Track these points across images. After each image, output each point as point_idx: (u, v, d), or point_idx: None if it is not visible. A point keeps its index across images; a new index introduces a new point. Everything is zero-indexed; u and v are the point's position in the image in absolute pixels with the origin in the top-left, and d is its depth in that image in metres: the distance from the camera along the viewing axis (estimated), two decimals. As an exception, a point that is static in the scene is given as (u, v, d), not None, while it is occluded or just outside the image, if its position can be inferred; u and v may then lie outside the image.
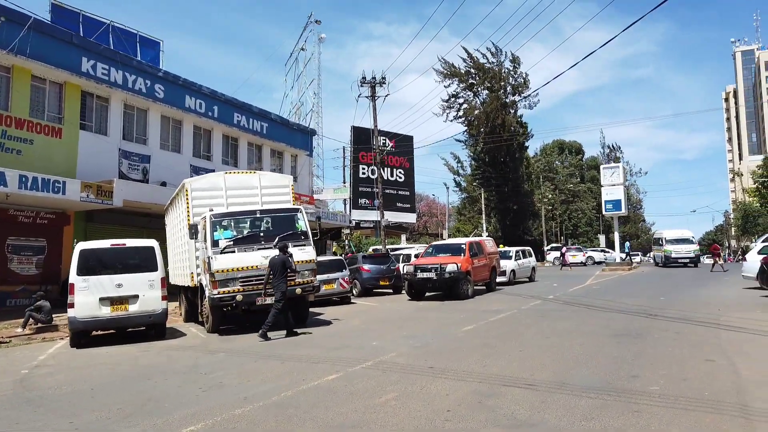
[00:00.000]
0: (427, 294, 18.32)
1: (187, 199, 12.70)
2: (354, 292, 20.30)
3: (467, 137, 61.53)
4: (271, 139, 30.91)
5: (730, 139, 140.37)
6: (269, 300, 11.17)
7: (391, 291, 20.68)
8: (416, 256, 21.31)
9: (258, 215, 12.00)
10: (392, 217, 55.08)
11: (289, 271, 10.73)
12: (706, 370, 6.43)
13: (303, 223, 12.18)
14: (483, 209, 61.79)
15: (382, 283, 20.17)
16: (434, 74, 57.46)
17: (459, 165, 66.80)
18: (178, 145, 25.39)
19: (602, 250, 46.23)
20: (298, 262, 11.53)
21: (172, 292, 16.94)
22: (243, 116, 28.91)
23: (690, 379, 6.01)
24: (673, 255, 32.43)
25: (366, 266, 20.21)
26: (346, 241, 46.93)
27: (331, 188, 44.62)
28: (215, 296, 11.03)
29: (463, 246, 18.63)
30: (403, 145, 56.17)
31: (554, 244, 60.34)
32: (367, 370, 6.90)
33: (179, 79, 25.24)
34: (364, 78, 32.08)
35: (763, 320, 10.35)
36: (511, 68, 58.91)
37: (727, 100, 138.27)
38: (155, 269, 10.96)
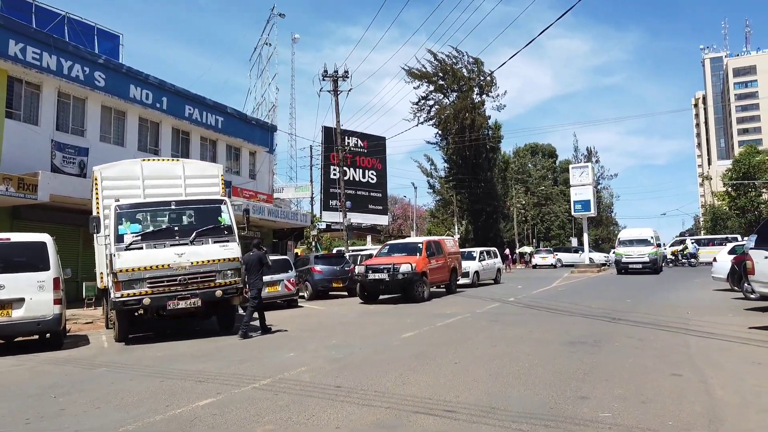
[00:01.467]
0: (382, 297, 17.02)
1: (96, 188, 11.16)
2: (305, 294, 18.91)
3: (438, 139, 60.60)
4: (227, 134, 29.26)
5: (699, 145, 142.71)
6: (183, 304, 9.73)
7: (346, 294, 19.31)
8: (369, 256, 19.99)
9: (173, 207, 10.52)
10: (364, 219, 53.78)
11: (264, 268, 10.58)
12: (671, 388, 5.23)
13: (227, 217, 10.73)
14: (455, 211, 60.90)
15: (335, 285, 18.76)
16: (405, 76, 56.46)
17: (433, 167, 65.76)
18: (120, 138, 23.62)
19: (576, 250, 45.24)
20: (219, 260, 10.12)
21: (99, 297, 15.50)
22: (195, 109, 27.22)
23: (651, 401, 4.79)
24: (624, 260, 26.18)
25: (318, 267, 18.78)
26: (314, 243, 45.41)
27: (293, 187, 42.94)
28: (118, 299, 9.51)
29: (419, 245, 17.36)
30: (376, 146, 55.01)
31: (526, 248, 59.72)
32: (256, 391, 5.52)
33: (122, 67, 23.51)
34: (326, 71, 30.69)
35: (735, 325, 9.28)
36: (475, 70, 58.28)
37: (696, 106, 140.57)
38: (46, 268, 9.38)
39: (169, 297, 9.66)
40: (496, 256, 26.02)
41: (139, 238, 9.83)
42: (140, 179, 11.34)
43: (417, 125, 60.27)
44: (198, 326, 11.98)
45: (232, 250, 10.33)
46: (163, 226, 10.22)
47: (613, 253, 29.57)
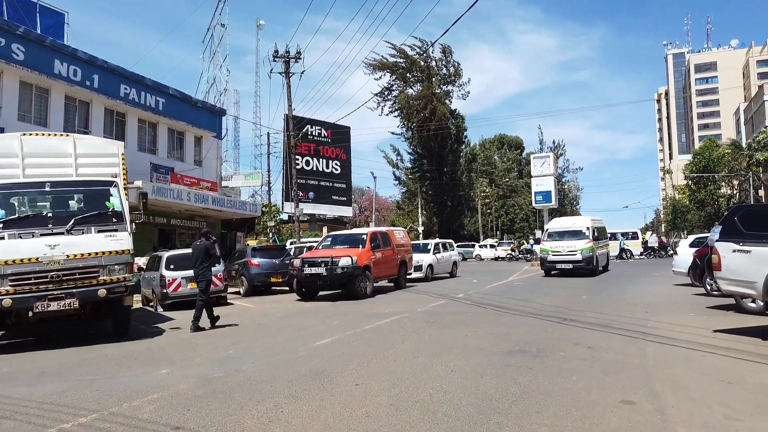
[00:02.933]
0: (322, 293, 15.56)
1: (-39, 168, 9.33)
2: (241, 290, 17.30)
3: (402, 129, 59.22)
4: (169, 116, 27.22)
5: (661, 139, 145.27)
6: (55, 305, 8.09)
7: (287, 289, 17.75)
8: (307, 249, 18.50)
9: (48, 189, 8.80)
10: (328, 210, 52.16)
11: (213, 259, 10.09)
12: (618, 425, 3.94)
13: (118, 202, 9.09)
14: (419, 203, 59.81)
15: (274, 279, 17.16)
16: (365, 68, 54.95)
17: (399, 158, 64.41)
18: (43, 118, 21.45)
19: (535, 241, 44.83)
20: (104, 253, 8.49)
21: None
22: (132, 89, 25.10)
23: (591, 449, 3.47)
24: (550, 257, 20.41)
25: (255, 260, 17.16)
26: (271, 235, 43.61)
27: (242, 174, 40.96)
28: (-30, 300, 7.80)
29: (364, 237, 15.94)
30: (340, 135, 53.30)
31: (490, 240, 59.13)
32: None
33: (46, 40, 21.31)
34: (276, 51, 28.86)
35: (698, 327, 8.16)
36: (443, 58, 57.16)
37: (659, 101, 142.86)
38: None
39: (37, 297, 7.99)
40: (452, 249, 24.83)
41: (0, 226, 8.12)
42: (19, 157, 9.53)
43: (381, 115, 58.93)
44: (93, 330, 10.31)
45: (121, 241, 8.70)
46: (31, 213, 8.50)
47: (540, 248, 22.90)
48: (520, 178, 77.66)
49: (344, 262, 14.11)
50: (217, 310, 12.16)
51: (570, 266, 19.69)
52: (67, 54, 22.05)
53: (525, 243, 45.25)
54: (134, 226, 9.60)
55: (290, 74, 29.15)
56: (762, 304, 7.02)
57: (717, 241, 7.60)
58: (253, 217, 31.08)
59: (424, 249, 22.28)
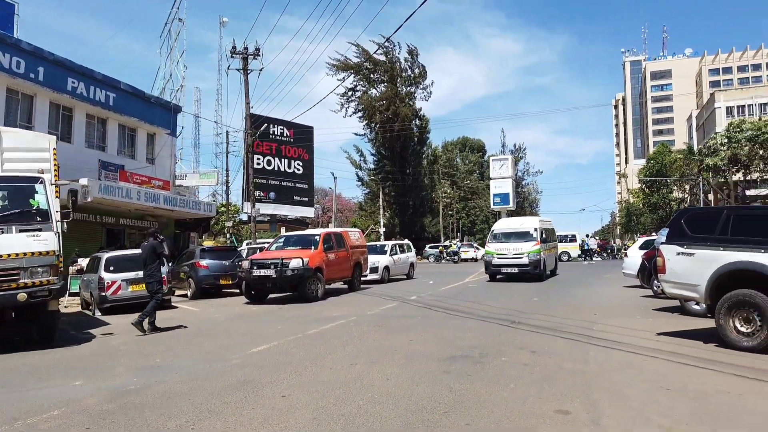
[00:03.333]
0: (274, 295, 15.11)
1: None
2: (188, 293, 16.67)
3: (367, 131, 58.90)
4: (120, 112, 26.12)
5: (618, 144, 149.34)
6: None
7: (238, 291, 17.17)
8: (261, 249, 18.00)
9: (-40, 184, 8.14)
10: (289, 210, 51.34)
11: (162, 258, 9.93)
12: (551, 438, 3.72)
13: (43, 199, 8.48)
14: (381, 204, 59.63)
15: (223, 282, 16.58)
16: (328, 69, 54.49)
17: (362, 159, 64.02)
18: (-20, 111, 20.25)
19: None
20: (25, 254, 7.88)
21: None
22: (81, 82, 23.97)
23: (517, 468, 3.23)
24: (495, 261, 18.74)
25: (203, 262, 16.55)
26: (229, 235, 42.67)
27: (197, 173, 39.91)
28: None
29: (316, 238, 15.55)
30: (303, 135, 52.59)
31: (455, 242, 59.41)
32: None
33: (-17, 29, 20.14)
34: (234, 48, 28.20)
35: (643, 330, 8.12)
36: (409, 59, 57.17)
37: (616, 107, 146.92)
38: None
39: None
40: (409, 250, 24.68)
41: None
42: (-66, 150, 8.83)
43: (345, 117, 58.36)
44: (17, 336, 9.62)
45: (45, 241, 8.11)
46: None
47: (484, 251, 21.40)
48: (481, 180, 78.44)
49: (295, 263, 13.70)
50: (157, 314, 11.56)
51: (516, 270, 18.17)
52: (9, 44, 20.85)
53: (453, 245, 46.58)
54: (65, 226, 8.99)
55: (248, 71, 28.53)
56: (705, 307, 7.01)
57: (663, 243, 7.56)
58: (208, 217, 30.20)
59: (380, 250, 22.03)
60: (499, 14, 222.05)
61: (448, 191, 70.69)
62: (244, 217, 45.37)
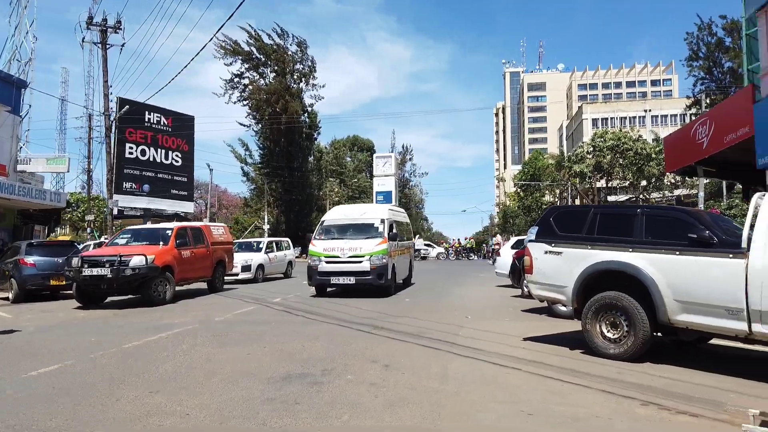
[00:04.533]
0: (114, 298, 13.01)
1: None
2: (9, 296, 13.98)
3: (252, 122, 56.08)
4: (-58, 82, 21.97)
5: (498, 150, 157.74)
6: None
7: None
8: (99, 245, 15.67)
9: None
10: (167, 205, 47.06)
11: None
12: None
13: None
14: (266, 200, 57.22)
15: (54, 282, 13.99)
16: (215, 51, 51.14)
17: (248, 153, 60.96)
18: None
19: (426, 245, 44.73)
20: None
21: None
22: None
23: None
24: (322, 266, 13.03)
25: (30, 259, 13.91)
26: (89, 229, 38.25)
27: (44, 158, 35.32)
28: None
29: (168, 232, 13.66)
30: (183, 125, 48.58)
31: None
32: None
33: None
34: (91, 18, 24.91)
35: (510, 335, 7.50)
36: (298, 52, 55.42)
37: (497, 115, 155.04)
38: None
39: None
40: (288, 248, 23.24)
41: None
42: None
43: (227, 103, 55.02)
44: None
45: None
46: None
47: (309, 251, 14.16)
48: (369, 179, 78.46)
49: (136, 261, 11.75)
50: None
51: (352, 281, 12.86)
52: None
53: None
54: None
55: (108, 46, 25.40)
56: (572, 309, 6.52)
57: (530, 241, 6.95)
58: (54, 208, 26.44)
59: (255, 248, 20.44)
60: (390, 19, 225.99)
61: (336, 189, 69.81)
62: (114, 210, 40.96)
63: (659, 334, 5.95)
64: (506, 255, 14.63)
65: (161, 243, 12.99)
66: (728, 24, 43.59)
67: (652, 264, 5.57)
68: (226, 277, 17.18)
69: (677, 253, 5.50)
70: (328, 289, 13.83)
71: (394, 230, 14.21)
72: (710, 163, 18.93)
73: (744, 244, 5.06)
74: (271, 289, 15.64)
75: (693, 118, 38.66)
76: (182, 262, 13.30)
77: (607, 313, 5.82)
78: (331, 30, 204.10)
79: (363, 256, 12.82)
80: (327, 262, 13.07)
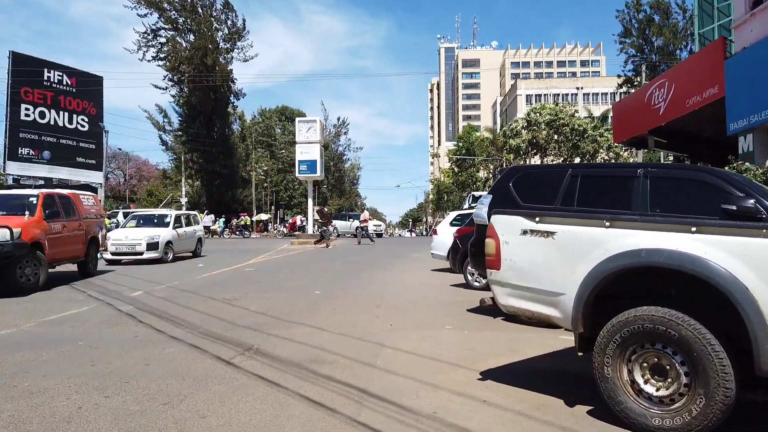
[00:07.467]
0: None
1: None
2: None
3: (169, 84, 50.49)
4: None
5: (432, 127, 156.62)
6: None
7: None
8: None
9: None
10: (71, 174, 41.24)
11: None
12: None
13: None
14: (183, 169, 52.31)
15: None
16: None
17: (166, 120, 55.31)
18: None
19: (348, 218, 37.74)
20: None
21: None
22: None
23: None
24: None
25: None
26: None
27: None
28: None
29: (33, 200, 10.12)
30: (89, 86, 42.53)
31: (263, 215, 54.76)
32: None
33: None
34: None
35: (452, 365, 4.81)
36: (223, 11, 50.37)
37: (432, 91, 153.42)
38: None
39: None
40: (197, 223, 19.88)
41: None
42: None
43: (141, 60, 49.15)
44: None
45: None
46: None
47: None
48: (300, 153, 74.51)
49: (-4, 235, 8.25)
50: None
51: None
52: None
53: (245, 220, 43.85)
54: None
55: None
56: (577, 334, 3.86)
57: (497, 213, 4.15)
58: None
59: (161, 222, 17.16)
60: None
61: (265, 161, 65.32)
62: (10, 180, 35.25)
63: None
64: (444, 233, 12.05)
65: (27, 214, 9.54)
66: (655, 2, 43.33)
67: (737, 257, 2.95)
68: (126, 257, 15.73)
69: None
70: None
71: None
72: (663, 133, 17.15)
73: None
74: (159, 273, 12.51)
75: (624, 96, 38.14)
76: (54, 240, 10.10)
77: (646, 348, 3.17)
78: (263, 1, 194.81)
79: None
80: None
